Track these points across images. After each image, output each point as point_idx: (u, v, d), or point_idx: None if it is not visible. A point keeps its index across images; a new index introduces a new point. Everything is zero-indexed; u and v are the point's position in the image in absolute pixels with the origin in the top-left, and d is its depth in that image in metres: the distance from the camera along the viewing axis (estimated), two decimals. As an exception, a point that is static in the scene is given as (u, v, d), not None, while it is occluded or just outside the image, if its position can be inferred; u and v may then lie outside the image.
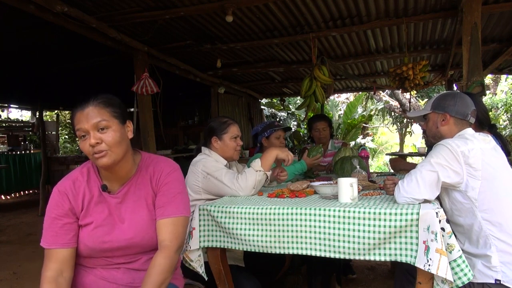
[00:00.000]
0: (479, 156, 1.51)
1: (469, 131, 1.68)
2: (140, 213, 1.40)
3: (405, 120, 13.70)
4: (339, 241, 1.49)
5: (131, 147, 1.43)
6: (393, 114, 13.91)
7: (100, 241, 1.35)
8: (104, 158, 1.29)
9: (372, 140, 15.36)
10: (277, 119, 11.65)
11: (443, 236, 1.34)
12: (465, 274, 1.36)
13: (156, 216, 1.39)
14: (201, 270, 1.77)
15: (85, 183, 1.39)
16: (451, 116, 1.71)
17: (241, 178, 1.98)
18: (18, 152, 8.38)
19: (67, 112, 13.77)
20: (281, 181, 2.27)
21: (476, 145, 1.54)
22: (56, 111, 11.35)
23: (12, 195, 8.46)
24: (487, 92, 11.56)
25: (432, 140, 1.81)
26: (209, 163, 2.08)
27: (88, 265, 1.39)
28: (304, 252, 1.56)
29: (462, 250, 1.54)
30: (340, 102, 14.75)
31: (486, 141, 1.61)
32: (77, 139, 1.42)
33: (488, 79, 12.22)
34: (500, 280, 1.45)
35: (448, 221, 1.46)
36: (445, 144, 1.55)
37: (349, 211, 1.49)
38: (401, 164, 3.06)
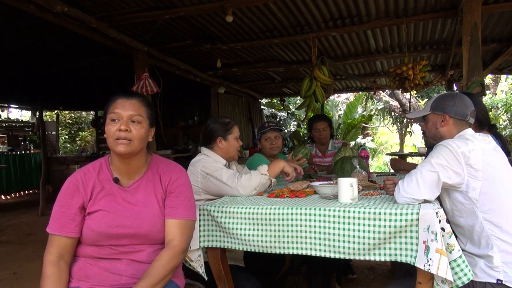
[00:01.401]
0: (480, 156, 1.51)
1: (469, 131, 1.68)
2: (150, 205, 1.46)
3: (405, 120, 13.70)
4: (339, 241, 1.50)
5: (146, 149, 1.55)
6: (393, 114, 13.91)
7: (108, 225, 1.40)
8: (124, 145, 1.40)
9: (372, 140, 15.36)
10: (277, 119, 11.64)
11: (443, 236, 1.34)
12: (465, 274, 1.36)
13: (166, 215, 1.46)
14: (201, 270, 1.77)
15: (96, 175, 1.48)
16: (451, 117, 1.70)
17: (244, 177, 1.98)
18: (18, 152, 8.38)
19: (67, 112, 13.78)
20: (298, 176, 2.21)
21: (476, 146, 1.54)
22: (56, 111, 11.35)
23: (12, 195, 8.46)
24: (487, 92, 11.55)
25: (431, 141, 1.80)
26: (208, 163, 2.08)
27: (93, 254, 1.42)
28: (304, 252, 1.57)
29: (464, 250, 1.54)
30: (340, 102, 14.75)
31: (486, 141, 1.61)
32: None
33: (488, 79, 12.22)
34: (502, 280, 1.45)
35: (448, 221, 1.46)
36: (446, 145, 1.55)
37: (349, 211, 1.49)
38: (401, 164, 3.06)
